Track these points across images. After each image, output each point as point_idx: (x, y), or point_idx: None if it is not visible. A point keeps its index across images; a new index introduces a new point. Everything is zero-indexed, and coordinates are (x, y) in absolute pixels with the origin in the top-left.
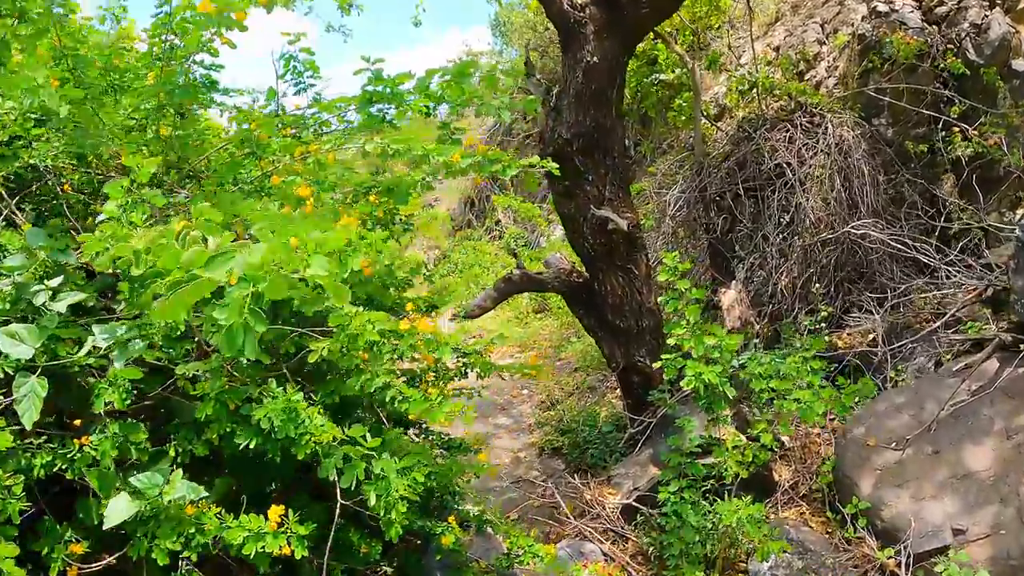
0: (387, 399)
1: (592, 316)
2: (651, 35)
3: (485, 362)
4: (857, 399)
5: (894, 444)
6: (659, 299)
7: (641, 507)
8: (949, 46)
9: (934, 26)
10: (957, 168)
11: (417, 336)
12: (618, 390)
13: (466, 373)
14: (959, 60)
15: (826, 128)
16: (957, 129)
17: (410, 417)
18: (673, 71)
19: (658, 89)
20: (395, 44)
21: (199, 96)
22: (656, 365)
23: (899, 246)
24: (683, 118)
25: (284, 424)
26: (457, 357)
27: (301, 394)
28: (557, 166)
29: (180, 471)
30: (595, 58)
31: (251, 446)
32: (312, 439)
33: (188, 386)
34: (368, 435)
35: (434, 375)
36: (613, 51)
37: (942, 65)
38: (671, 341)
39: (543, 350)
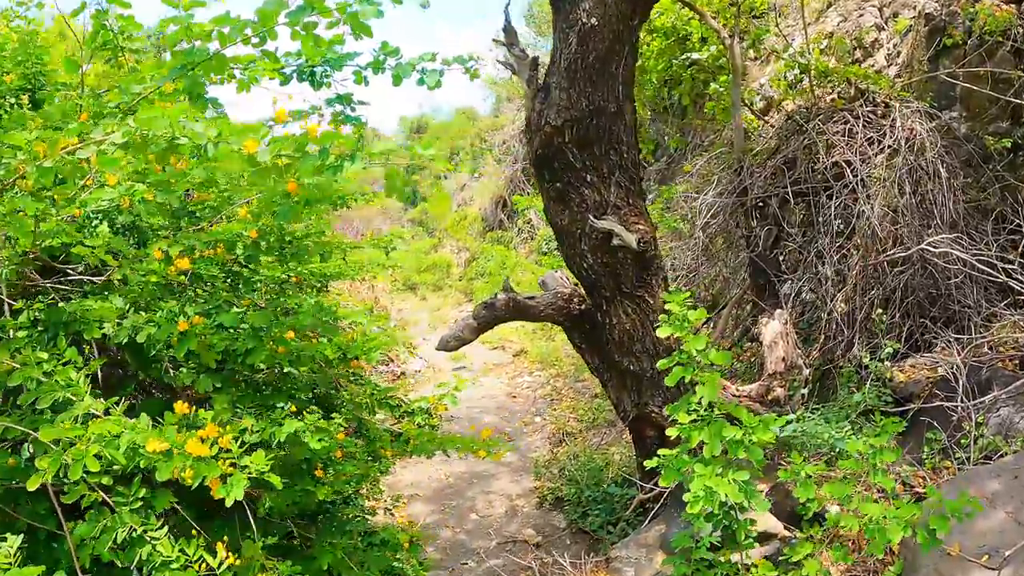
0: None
1: (596, 354)
2: (684, 7)
3: (425, 435)
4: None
5: (987, 557)
6: (658, 365)
7: None
8: None
9: (1011, 5)
10: None
11: (182, 461)
12: None
13: (406, 441)
14: None
15: (893, 120)
16: None
17: None
18: (708, 49)
19: (692, 73)
20: (420, 36)
21: None
22: (671, 432)
23: (986, 268)
24: (722, 108)
25: None
26: (401, 414)
27: None
28: (432, 153)
29: None
30: (593, 19)
31: None
32: None
33: None
34: None
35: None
36: (618, 10)
37: None
38: (671, 432)
39: (564, 369)
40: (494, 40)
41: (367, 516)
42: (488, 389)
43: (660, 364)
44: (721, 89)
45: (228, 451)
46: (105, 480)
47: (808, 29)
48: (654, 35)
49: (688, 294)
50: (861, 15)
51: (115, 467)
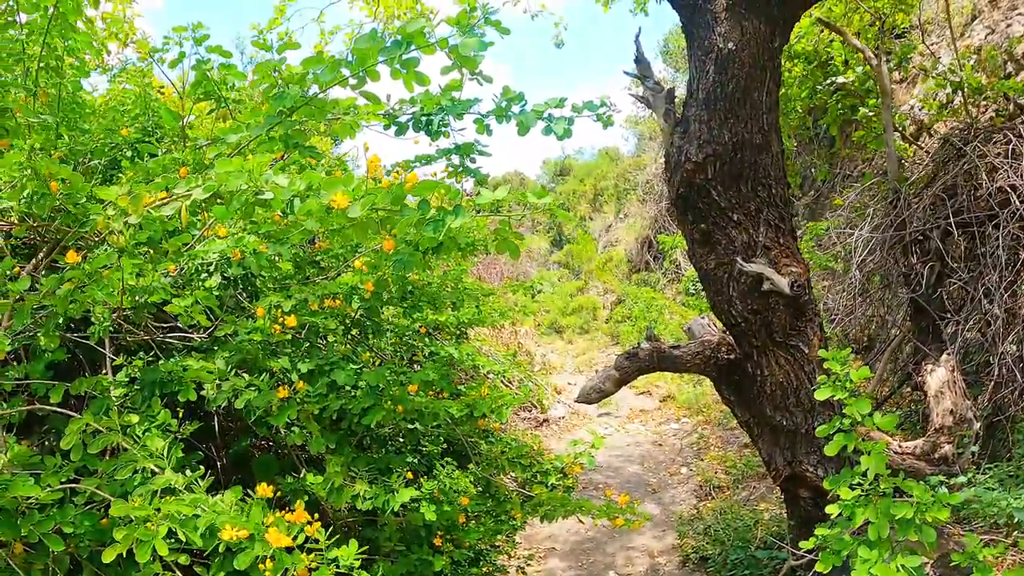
0: None
1: (745, 407)
2: (822, 27)
3: (557, 498)
4: None
5: None
6: (817, 431)
7: None
8: None
9: None
10: None
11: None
12: None
13: (537, 504)
14: None
15: None
16: None
17: None
18: (854, 71)
19: (838, 99)
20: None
21: None
22: (831, 509)
23: None
24: (872, 135)
25: None
26: (533, 474)
27: None
28: (547, 202)
29: None
30: (730, 44)
31: None
32: None
33: None
34: None
35: None
36: (757, 34)
37: None
38: (831, 509)
39: (712, 416)
40: (625, 73)
41: (497, 574)
42: (634, 436)
43: (819, 431)
44: (870, 114)
45: (315, 540)
46: (182, 559)
47: (952, 44)
48: (795, 61)
49: (848, 350)
50: (1009, 25)
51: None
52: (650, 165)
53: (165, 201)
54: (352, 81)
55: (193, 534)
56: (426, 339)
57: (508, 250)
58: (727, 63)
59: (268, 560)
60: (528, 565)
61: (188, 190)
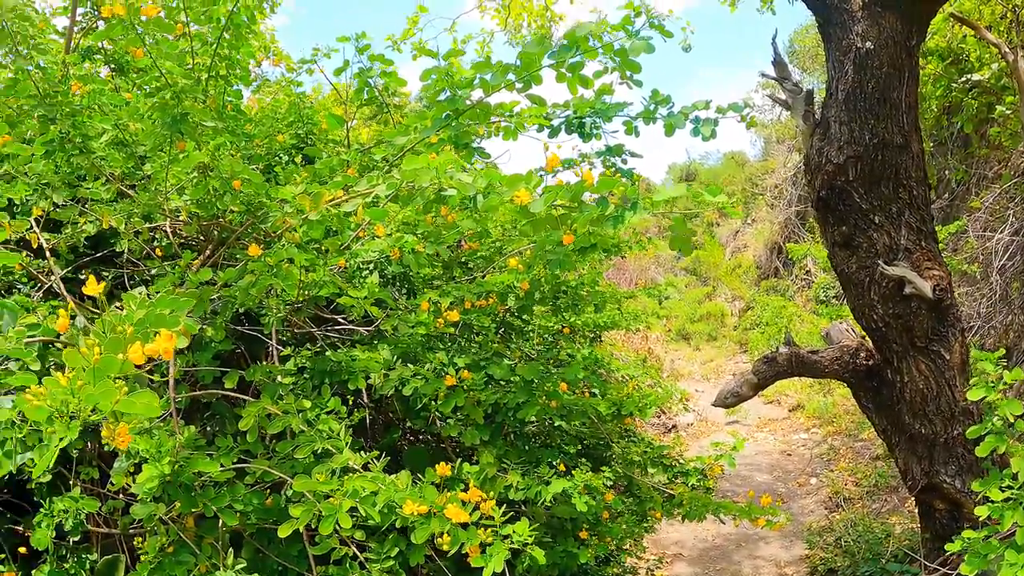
0: None
1: (883, 414)
2: (955, 23)
3: (699, 498)
4: None
5: None
6: (968, 432)
7: None
8: None
9: None
10: None
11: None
12: None
13: (678, 503)
14: None
15: None
16: None
17: None
18: (990, 67)
19: (974, 96)
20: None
21: None
22: (980, 511)
23: None
24: (1009, 133)
25: None
26: (674, 475)
27: None
28: (723, 199)
29: None
30: (868, 43)
31: None
32: None
33: None
34: None
35: None
36: (894, 32)
37: None
38: (980, 512)
39: (842, 426)
40: (763, 75)
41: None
42: (762, 445)
43: (970, 432)
44: (1007, 112)
45: (490, 518)
46: (358, 535)
47: None
48: (928, 58)
49: (1001, 352)
50: None
51: (369, 522)
52: (779, 169)
53: (345, 199)
54: (519, 85)
55: (372, 510)
56: (568, 340)
57: (681, 247)
58: (866, 62)
59: (444, 535)
60: (657, 567)
61: (371, 187)
